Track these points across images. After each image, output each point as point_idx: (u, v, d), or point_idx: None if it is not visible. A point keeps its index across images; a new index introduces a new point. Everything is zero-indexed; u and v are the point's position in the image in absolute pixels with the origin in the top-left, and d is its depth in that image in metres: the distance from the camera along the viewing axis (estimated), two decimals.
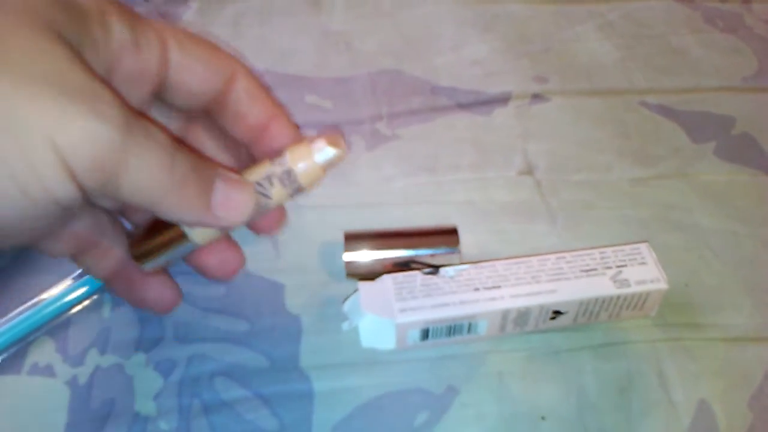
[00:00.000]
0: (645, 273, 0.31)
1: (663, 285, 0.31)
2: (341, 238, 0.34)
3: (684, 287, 0.34)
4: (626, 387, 0.31)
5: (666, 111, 0.43)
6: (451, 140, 0.41)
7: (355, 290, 0.32)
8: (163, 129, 0.24)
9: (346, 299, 0.32)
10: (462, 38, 0.48)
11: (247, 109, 0.28)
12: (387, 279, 0.32)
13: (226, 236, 0.30)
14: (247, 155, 0.30)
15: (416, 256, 0.33)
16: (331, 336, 0.32)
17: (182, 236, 0.27)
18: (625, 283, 0.31)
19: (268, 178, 0.26)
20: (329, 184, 0.38)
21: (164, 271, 0.31)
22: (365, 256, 0.33)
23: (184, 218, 0.25)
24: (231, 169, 0.26)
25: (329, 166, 0.26)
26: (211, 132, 0.30)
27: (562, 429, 0.30)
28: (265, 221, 0.30)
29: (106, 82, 0.22)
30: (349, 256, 0.33)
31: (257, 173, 0.26)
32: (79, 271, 0.33)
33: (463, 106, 0.43)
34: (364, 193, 0.38)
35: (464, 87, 0.44)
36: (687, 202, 0.38)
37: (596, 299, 0.31)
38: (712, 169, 0.40)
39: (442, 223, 0.36)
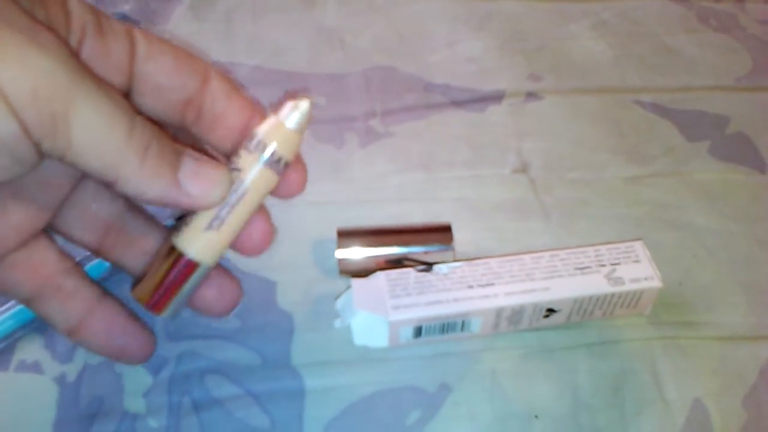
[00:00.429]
0: (639, 271, 0.31)
1: (657, 283, 0.31)
2: (334, 235, 0.33)
3: (678, 286, 0.34)
4: (620, 386, 0.31)
5: (660, 110, 0.43)
6: (445, 138, 0.41)
7: (348, 287, 0.32)
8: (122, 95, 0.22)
9: (338, 296, 0.32)
10: (456, 35, 0.48)
11: (224, 109, 0.26)
12: (380, 276, 0.31)
13: (223, 269, 0.28)
14: None
15: (410, 253, 0.33)
16: (323, 333, 0.32)
17: (174, 251, 0.25)
18: (619, 281, 0.31)
19: (240, 156, 0.25)
20: (322, 181, 0.38)
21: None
22: (358, 253, 0.33)
23: (147, 192, 0.23)
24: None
25: (303, 128, 0.25)
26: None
27: (555, 428, 0.30)
28: (252, 238, 0.27)
29: (52, 29, 0.21)
30: (342, 253, 0.33)
31: (234, 161, 0.25)
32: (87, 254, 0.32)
33: (457, 104, 0.43)
34: (358, 190, 0.38)
35: (458, 84, 0.44)
36: (681, 200, 0.38)
37: (590, 297, 0.31)
38: (706, 168, 0.40)
39: (436, 219, 0.36)
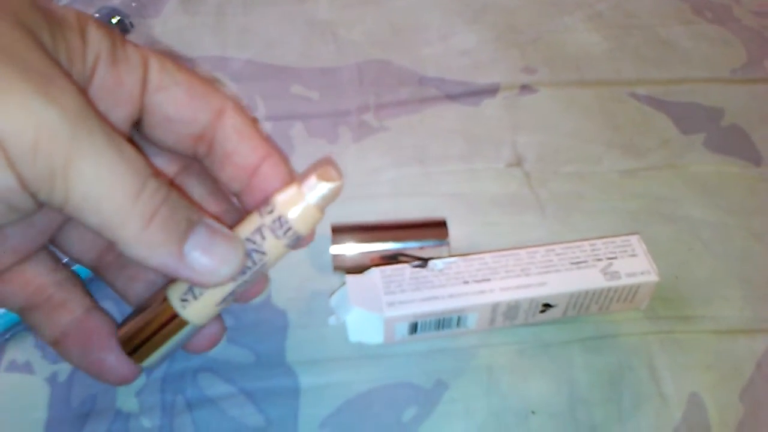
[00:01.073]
0: (636, 265, 0.31)
1: (654, 277, 0.31)
2: (328, 231, 0.33)
3: (674, 279, 0.34)
4: (617, 380, 0.31)
5: (655, 102, 0.43)
6: (440, 131, 0.41)
7: (343, 284, 0.31)
8: (141, 153, 0.21)
9: (333, 293, 0.32)
10: (450, 28, 0.47)
11: (236, 148, 0.25)
12: (375, 272, 0.31)
13: None
14: (239, 210, 0.27)
15: (405, 249, 0.33)
16: (317, 330, 0.32)
17: (175, 316, 0.24)
18: (615, 275, 0.31)
19: (259, 231, 0.23)
20: None
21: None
22: (353, 249, 0.33)
23: (147, 259, 0.21)
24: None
25: (326, 203, 0.23)
26: (203, 183, 0.28)
27: (552, 423, 0.29)
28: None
29: (73, 78, 0.20)
30: (336, 249, 0.33)
31: (245, 228, 0.23)
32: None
33: (451, 97, 0.43)
34: (352, 185, 0.38)
35: (452, 78, 0.44)
36: (676, 193, 0.38)
37: (586, 292, 0.31)
38: (701, 161, 0.40)
39: (431, 214, 0.35)
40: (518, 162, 0.39)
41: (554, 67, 0.45)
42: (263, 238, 0.23)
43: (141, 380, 0.30)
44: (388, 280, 0.31)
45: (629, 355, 0.31)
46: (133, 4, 0.47)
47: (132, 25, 0.45)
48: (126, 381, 0.26)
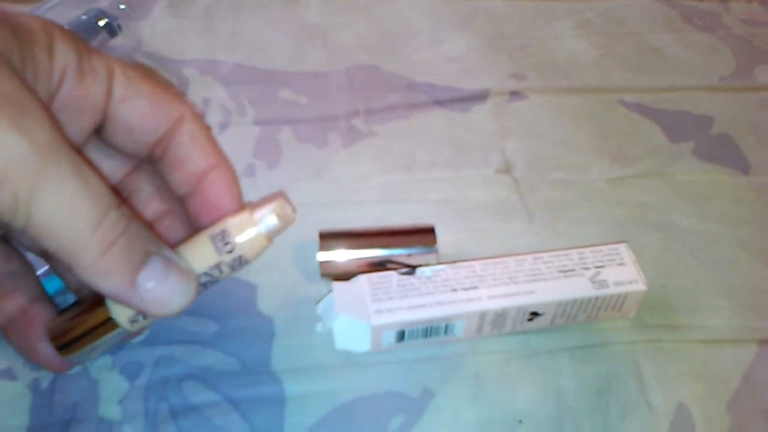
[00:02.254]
0: (623, 274, 0.31)
1: (642, 286, 0.31)
2: (316, 237, 0.33)
3: (662, 288, 0.34)
4: (604, 389, 0.30)
5: (644, 110, 0.43)
6: (428, 137, 0.41)
7: (330, 291, 0.31)
8: (107, 183, 0.22)
9: (320, 300, 0.32)
10: (440, 34, 0.47)
11: (188, 154, 0.26)
12: (362, 279, 0.31)
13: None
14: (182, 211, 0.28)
15: (393, 256, 0.33)
16: (304, 338, 0.31)
17: (109, 320, 0.24)
18: (603, 284, 0.31)
19: (218, 267, 0.24)
20: (304, 181, 0.37)
21: None
22: (340, 255, 0.33)
23: (99, 285, 0.22)
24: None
25: (275, 234, 0.25)
26: (152, 183, 0.28)
27: None
28: None
29: (46, 105, 0.21)
30: (323, 256, 0.33)
31: (200, 259, 0.24)
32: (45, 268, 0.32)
33: (440, 103, 0.43)
34: (340, 190, 0.38)
35: (442, 83, 0.44)
36: (664, 202, 0.38)
37: (574, 300, 0.30)
38: (689, 169, 0.40)
39: (419, 221, 0.35)
40: (507, 169, 0.39)
41: (544, 74, 0.45)
42: (220, 272, 0.24)
43: (124, 387, 0.30)
44: (376, 288, 0.30)
45: (617, 364, 0.31)
46: (122, 7, 0.46)
47: (120, 28, 0.45)
48: (59, 371, 0.28)
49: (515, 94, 0.43)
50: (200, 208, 0.26)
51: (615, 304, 0.31)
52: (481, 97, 0.43)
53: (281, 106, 0.42)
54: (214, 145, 0.27)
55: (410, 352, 0.31)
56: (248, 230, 0.24)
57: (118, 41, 0.44)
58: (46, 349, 0.26)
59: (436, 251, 0.33)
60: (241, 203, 0.27)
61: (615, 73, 0.45)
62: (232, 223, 0.24)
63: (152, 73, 0.26)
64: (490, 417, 0.29)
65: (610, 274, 0.31)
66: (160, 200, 0.28)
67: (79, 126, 0.24)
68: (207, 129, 0.27)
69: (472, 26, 0.48)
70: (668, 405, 0.30)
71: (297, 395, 0.30)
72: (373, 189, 0.38)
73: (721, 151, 0.41)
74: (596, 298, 0.31)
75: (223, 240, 0.24)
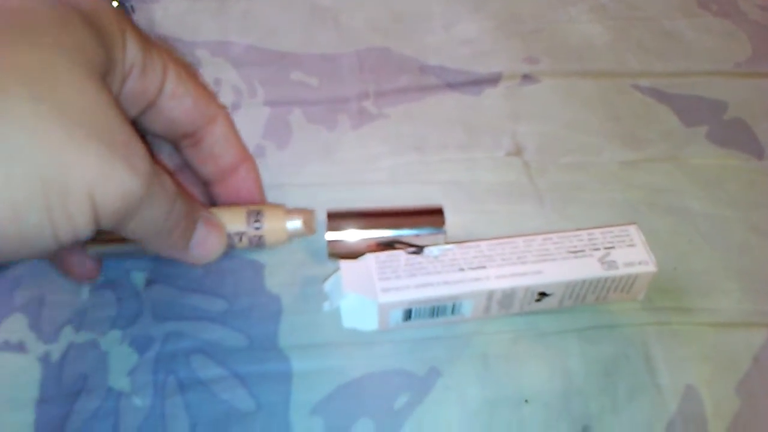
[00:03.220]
0: (633, 255, 0.31)
1: (651, 267, 0.30)
2: (324, 217, 0.33)
3: (672, 271, 0.34)
4: (612, 371, 0.30)
5: (658, 94, 0.42)
6: (439, 120, 0.40)
7: (337, 269, 0.31)
8: (169, 174, 0.26)
9: (327, 278, 0.32)
10: (452, 17, 0.47)
11: (221, 151, 0.30)
12: (369, 258, 0.31)
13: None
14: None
15: (401, 236, 0.33)
16: (311, 316, 0.32)
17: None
18: (613, 264, 0.30)
19: (238, 235, 0.29)
20: (313, 162, 0.37)
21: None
22: (348, 235, 0.33)
23: (161, 254, 0.27)
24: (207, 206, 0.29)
25: (293, 236, 0.31)
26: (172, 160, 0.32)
27: (546, 412, 0.29)
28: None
29: (137, 133, 0.23)
30: (331, 236, 0.33)
31: (232, 222, 0.29)
32: None
33: (452, 86, 0.42)
34: (350, 171, 0.38)
35: (453, 66, 0.43)
36: (677, 185, 0.37)
37: (583, 281, 0.30)
38: (703, 154, 0.39)
39: (429, 202, 0.35)
40: (518, 151, 0.39)
41: (556, 58, 0.44)
42: (240, 240, 0.30)
43: (133, 359, 0.30)
44: (383, 266, 0.30)
45: (625, 346, 0.31)
46: None
47: (133, 9, 0.45)
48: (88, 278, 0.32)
49: (527, 78, 0.43)
50: (226, 195, 0.32)
51: (624, 285, 0.31)
52: (493, 80, 0.43)
53: (292, 88, 0.42)
54: (242, 143, 0.31)
55: (417, 332, 0.31)
56: (278, 221, 0.30)
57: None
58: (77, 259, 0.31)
59: (445, 232, 0.33)
60: (263, 195, 0.33)
61: (629, 57, 0.45)
62: (269, 209, 0.30)
63: (193, 71, 0.28)
64: (497, 396, 0.29)
65: (620, 255, 0.31)
66: (174, 159, 0.32)
67: (129, 114, 0.26)
68: (235, 129, 0.31)
69: (484, 9, 0.47)
70: (677, 387, 0.30)
71: (304, 372, 0.30)
72: (382, 170, 0.38)
73: (735, 135, 0.40)
74: (605, 279, 0.30)
75: (256, 217, 0.30)
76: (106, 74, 0.23)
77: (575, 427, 0.29)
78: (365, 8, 0.47)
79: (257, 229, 0.30)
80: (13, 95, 0.19)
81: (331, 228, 0.32)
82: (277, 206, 0.30)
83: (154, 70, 0.26)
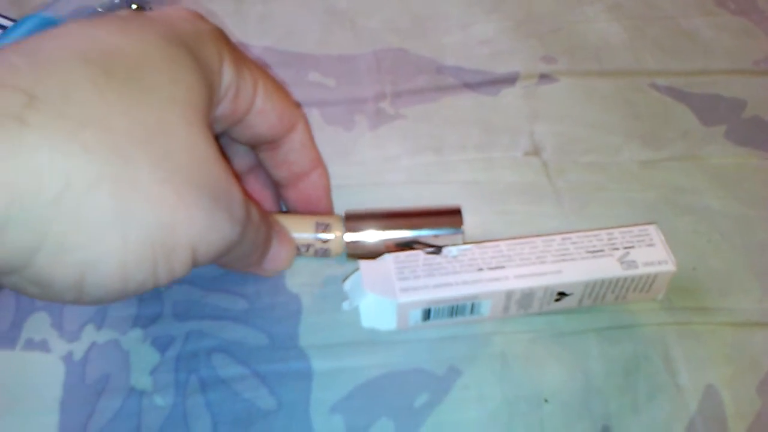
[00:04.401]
0: (653, 255, 0.31)
1: (671, 267, 0.30)
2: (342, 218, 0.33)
3: (692, 271, 0.33)
4: (632, 371, 0.30)
5: (676, 93, 0.42)
6: (457, 120, 0.41)
7: (356, 269, 0.31)
8: (257, 204, 0.26)
9: (346, 278, 0.32)
10: (469, 17, 0.47)
11: (296, 159, 0.31)
12: (388, 258, 0.31)
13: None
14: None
15: (419, 236, 0.33)
16: (331, 315, 0.32)
17: None
18: (632, 264, 0.30)
19: (306, 246, 0.31)
20: (331, 163, 0.37)
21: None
22: (367, 236, 0.33)
23: (235, 271, 0.30)
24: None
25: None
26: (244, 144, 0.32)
27: (565, 412, 0.29)
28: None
29: (237, 179, 0.24)
30: (350, 237, 0.33)
31: (301, 233, 0.31)
32: None
33: (469, 86, 0.42)
34: (367, 172, 0.38)
35: (471, 66, 0.44)
36: (696, 185, 0.37)
37: (602, 281, 0.30)
38: (722, 153, 0.39)
39: (447, 203, 0.35)
40: (536, 151, 0.39)
41: (574, 57, 0.44)
42: (306, 250, 0.32)
43: (155, 359, 0.30)
44: (402, 266, 0.31)
45: (645, 346, 0.31)
46: None
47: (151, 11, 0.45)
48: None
49: (545, 77, 0.43)
50: (296, 199, 0.33)
51: (644, 285, 0.31)
52: (511, 80, 0.43)
53: (309, 89, 0.42)
54: (316, 150, 0.32)
55: (436, 331, 0.31)
56: (344, 234, 0.32)
57: None
58: None
59: (463, 232, 0.33)
60: (331, 202, 0.34)
61: (647, 56, 0.45)
62: (336, 221, 0.32)
63: (275, 80, 0.28)
64: (516, 396, 0.29)
65: (639, 254, 0.31)
66: (248, 159, 0.32)
67: (215, 129, 0.26)
68: (311, 134, 0.31)
69: (502, 9, 0.47)
70: (697, 387, 0.30)
71: (324, 371, 0.30)
72: (400, 171, 0.38)
73: (754, 134, 0.40)
74: (625, 279, 0.30)
75: (325, 229, 0.31)
76: (208, 112, 0.23)
77: (595, 427, 0.29)
78: (382, 9, 0.47)
79: (324, 241, 0.31)
80: (133, 162, 0.19)
81: (349, 229, 0.33)
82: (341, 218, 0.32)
83: (246, 90, 0.26)
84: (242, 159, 0.32)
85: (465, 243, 0.32)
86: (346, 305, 0.32)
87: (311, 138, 0.31)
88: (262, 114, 0.27)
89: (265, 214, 0.28)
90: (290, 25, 0.46)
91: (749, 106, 0.42)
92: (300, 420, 0.29)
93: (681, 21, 0.47)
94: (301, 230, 0.31)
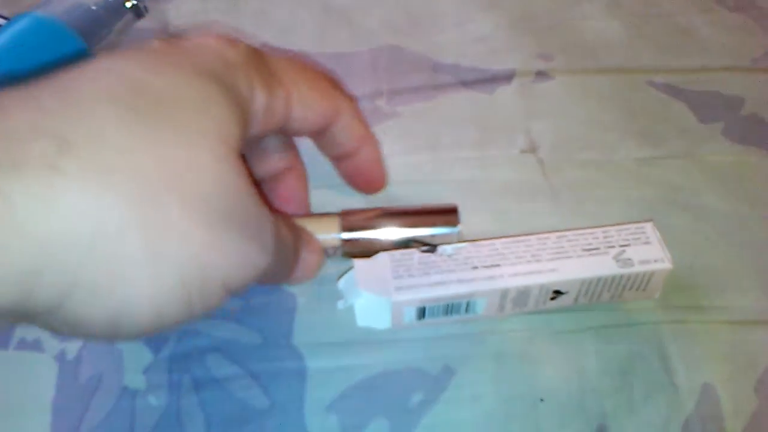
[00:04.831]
0: (649, 253, 0.31)
1: (667, 265, 0.30)
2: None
3: (689, 269, 0.33)
4: (628, 370, 0.30)
5: (673, 90, 0.42)
6: (453, 118, 0.40)
7: (350, 268, 0.31)
8: (285, 217, 0.27)
9: (340, 276, 0.32)
10: (465, 15, 0.47)
11: (344, 140, 0.30)
12: (383, 256, 0.31)
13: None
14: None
15: (415, 236, 0.32)
16: (325, 314, 0.32)
17: None
18: (628, 262, 0.30)
19: (333, 248, 0.31)
20: (327, 162, 0.37)
21: None
22: (362, 234, 0.32)
23: (264, 285, 0.29)
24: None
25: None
26: (279, 141, 0.32)
27: (561, 411, 0.29)
28: None
29: (268, 210, 0.24)
30: (346, 235, 0.32)
31: (325, 235, 0.31)
32: None
33: (465, 84, 0.42)
34: None
35: (467, 64, 0.43)
36: (693, 182, 0.37)
37: (598, 279, 0.30)
38: (719, 150, 0.39)
39: (443, 201, 0.35)
40: (532, 149, 0.39)
41: (571, 54, 0.44)
42: (334, 252, 0.32)
43: (148, 358, 0.30)
44: (397, 265, 0.30)
45: (641, 344, 0.31)
46: None
47: (146, 9, 0.45)
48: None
49: (541, 75, 0.43)
50: (349, 173, 0.33)
51: (640, 283, 0.31)
52: (507, 77, 0.43)
53: None
54: (363, 126, 0.31)
55: (431, 330, 0.31)
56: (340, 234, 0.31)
57: (144, 23, 0.45)
58: None
59: (459, 231, 0.32)
60: (384, 172, 0.33)
61: (644, 53, 0.44)
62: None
63: (314, 73, 0.28)
64: (511, 395, 0.29)
65: (635, 252, 0.31)
66: (283, 158, 0.32)
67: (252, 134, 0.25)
68: (359, 113, 0.31)
69: (498, 6, 0.47)
70: (693, 385, 0.30)
71: (318, 370, 0.30)
72: (396, 169, 0.38)
73: (752, 131, 0.40)
74: (620, 277, 0.30)
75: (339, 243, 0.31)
76: (239, 141, 0.23)
77: (591, 426, 0.29)
78: (378, 7, 0.47)
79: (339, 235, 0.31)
80: (163, 202, 0.19)
81: (345, 228, 0.32)
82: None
83: (279, 107, 0.26)
84: (278, 161, 0.32)
85: (461, 241, 0.32)
86: (340, 304, 0.31)
87: (358, 116, 0.30)
88: (300, 120, 0.27)
89: (293, 226, 0.28)
90: (286, 22, 0.46)
91: (747, 103, 0.41)
92: (294, 419, 0.29)
93: (679, 18, 0.47)
94: (325, 230, 0.31)
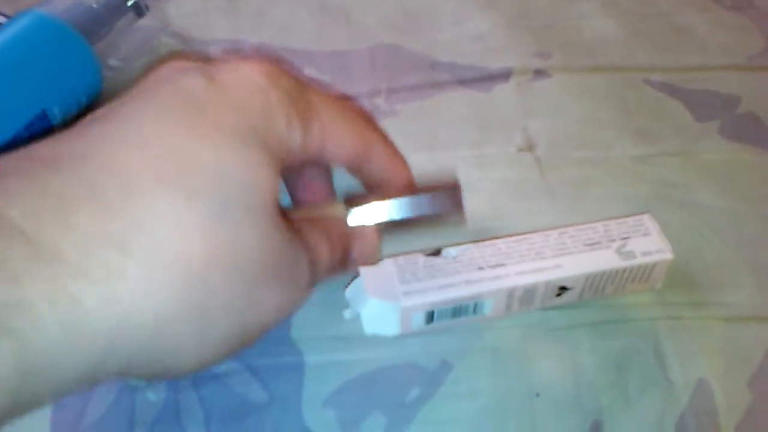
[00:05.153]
0: (650, 244, 0.31)
1: (668, 255, 0.31)
2: None
3: (684, 265, 0.33)
4: (623, 365, 0.30)
5: (670, 89, 0.42)
6: (451, 116, 0.41)
7: (356, 276, 0.31)
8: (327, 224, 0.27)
9: (347, 285, 0.31)
10: (463, 13, 0.47)
11: (377, 175, 0.29)
12: (388, 263, 0.31)
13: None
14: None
15: (420, 208, 0.31)
16: (324, 309, 0.32)
17: None
18: (630, 254, 0.30)
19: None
20: None
21: None
22: (369, 212, 0.31)
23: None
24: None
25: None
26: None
27: (556, 406, 0.29)
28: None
29: (302, 245, 0.25)
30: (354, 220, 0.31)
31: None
32: None
33: (463, 82, 0.42)
34: None
35: (465, 63, 0.44)
36: (689, 180, 0.37)
37: (603, 273, 0.30)
38: (715, 148, 0.39)
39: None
40: (529, 147, 0.39)
41: (568, 53, 0.44)
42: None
43: None
44: (403, 270, 0.30)
45: (637, 340, 0.31)
46: None
47: (147, 8, 0.45)
48: None
49: (539, 73, 0.43)
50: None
51: (642, 274, 0.31)
52: (505, 75, 0.43)
53: None
54: (397, 160, 0.30)
55: (429, 325, 0.31)
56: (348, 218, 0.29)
57: (145, 21, 0.45)
58: None
59: (462, 207, 0.31)
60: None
61: (641, 52, 0.45)
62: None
63: (347, 109, 0.29)
64: (507, 390, 0.30)
65: (637, 244, 0.31)
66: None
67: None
68: (393, 147, 0.30)
69: (495, 5, 0.48)
70: (688, 381, 0.30)
71: (316, 364, 0.30)
72: None
73: (748, 130, 0.40)
74: (624, 269, 0.30)
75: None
76: (277, 190, 0.23)
77: (586, 421, 0.29)
78: (376, 6, 0.47)
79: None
80: (210, 281, 0.21)
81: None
82: None
83: (314, 141, 0.26)
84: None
85: (462, 243, 0.32)
86: (347, 314, 0.31)
87: (391, 152, 0.30)
88: (333, 153, 0.27)
89: (334, 227, 0.28)
90: (285, 21, 0.46)
91: (743, 101, 0.42)
92: (292, 414, 0.29)
93: (676, 17, 0.47)
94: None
